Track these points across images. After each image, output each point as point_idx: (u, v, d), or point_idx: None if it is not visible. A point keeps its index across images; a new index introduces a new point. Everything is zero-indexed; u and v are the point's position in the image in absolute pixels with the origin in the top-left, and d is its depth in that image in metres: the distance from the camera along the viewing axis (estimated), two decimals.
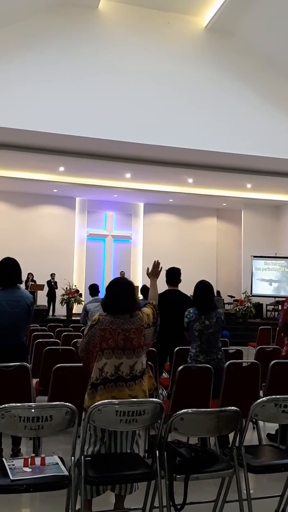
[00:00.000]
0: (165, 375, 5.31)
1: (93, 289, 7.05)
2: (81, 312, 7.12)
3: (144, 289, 9.83)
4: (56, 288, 14.43)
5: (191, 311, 4.17)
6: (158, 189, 14.87)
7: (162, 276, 5.30)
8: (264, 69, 11.56)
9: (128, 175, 13.74)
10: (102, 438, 2.76)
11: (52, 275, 14.56)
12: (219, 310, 4.24)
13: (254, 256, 15.78)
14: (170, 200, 16.42)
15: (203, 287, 4.20)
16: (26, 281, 13.01)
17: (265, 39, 10.99)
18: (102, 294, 6.96)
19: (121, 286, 3.00)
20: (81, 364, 3.00)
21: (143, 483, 2.71)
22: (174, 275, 5.27)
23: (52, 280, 14.54)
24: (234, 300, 15.18)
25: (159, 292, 5.21)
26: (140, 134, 10.64)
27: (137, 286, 13.20)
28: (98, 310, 6.32)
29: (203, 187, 14.89)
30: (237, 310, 14.32)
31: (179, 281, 5.29)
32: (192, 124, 10.97)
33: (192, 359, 4.09)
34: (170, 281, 5.27)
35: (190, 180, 14.00)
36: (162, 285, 5.34)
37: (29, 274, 13.49)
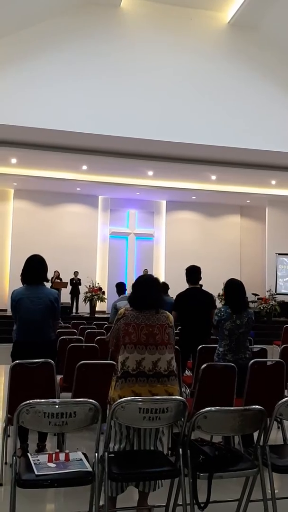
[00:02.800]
0: (188, 373, 5.29)
1: (120, 288, 7.09)
2: (110, 310, 7.15)
3: (164, 286, 9.83)
4: (80, 285, 14.54)
5: (223, 309, 4.11)
6: (180, 187, 14.80)
7: (183, 275, 5.31)
8: None
9: (150, 173, 13.73)
10: (128, 436, 2.77)
11: (75, 273, 14.68)
12: (250, 310, 4.19)
13: (279, 254, 15.56)
14: (193, 198, 16.33)
15: (235, 285, 4.14)
16: (52, 279, 13.15)
17: None
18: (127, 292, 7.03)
19: (148, 283, 3.03)
20: (104, 361, 3.02)
21: (167, 481, 2.71)
22: (194, 273, 5.22)
23: (75, 277, 14.66)
24: (258, 299, 15.02)
25: (180, 291, 5.22)
26: (162, 131, 10.62)
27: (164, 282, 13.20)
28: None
29: (226, 184, 14.77)
30: (262, 308, 14.17)
31: (200, 278, 5.24)
32: (215, 120, 10.89)
33: (220, 357, 4.06)
34: (190, 279, 5.23)
35: (213, 177, 13.89)
36: (183, 284, 5.35)
37: (55, 271, 13.63)
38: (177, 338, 5.08)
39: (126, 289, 7.06)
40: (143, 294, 2.95)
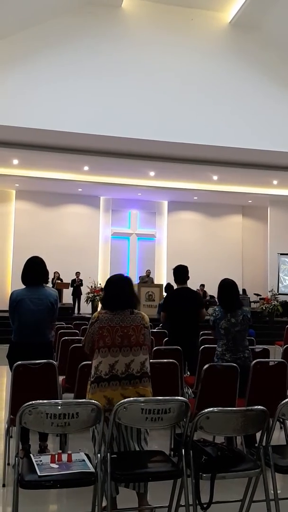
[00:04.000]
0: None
1: None
2: None
3: (168, 288, 9.84)
4: (82, 285, 14.55)
5: (217, 309, 4.14)
6: (182, 187, 14.81)
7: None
8: None
9: (152, 173, 13.73)
10: (112, 436, 2.76)
11: (77, 273, 14.69)
12: (245, 308, 4.20)
13: (281, 254, 15.54)
14: (195, 198, 16.33)
15: (226, 285, 4.17)
16: (52, 280, 13.17)
17: None
18: None
19: (119, 282, 2.98)
20: None
21: (169, 481, 2.70)
22: (181, 273, 5.19)
23: (77, 278, 14.67)
24: (260, 299, 15.00)
25: (169, 292, 5.20)
26: (164, 132, 10.62)
27: (161, 284, 13.19)
28: None
29: (228, 184, 14.77)
30: (264, 308, 14.15)
31: (187, 278, 5.20)
32: (216, 120, 10.89)
33: (219, 357, 4.06)
34: (178, 279, 5.20)
35: (215, 177, 13.89)
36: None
37: (55, 272, 13.65)
38: (167, 338, 5.11)
39: None
40: (114, 294, 2.91)
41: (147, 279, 14.90)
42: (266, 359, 4.24)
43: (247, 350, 4.09)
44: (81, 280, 14.65)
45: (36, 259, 3.95)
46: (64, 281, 14.25)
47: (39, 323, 3.79)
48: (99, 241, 16.56)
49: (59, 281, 14.05)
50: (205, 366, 3.70)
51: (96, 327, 2.84)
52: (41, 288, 3.89)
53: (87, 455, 2.55)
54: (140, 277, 15.26)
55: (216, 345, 4.20)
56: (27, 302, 3.77)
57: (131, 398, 2.55)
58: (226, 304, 4.09)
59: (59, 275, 14.08)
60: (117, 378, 2.76)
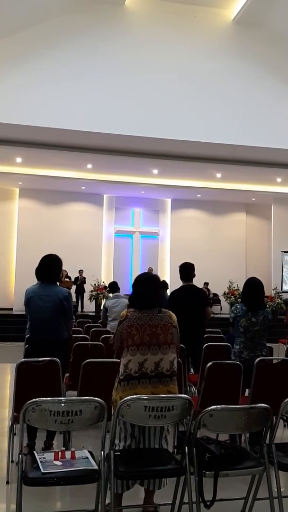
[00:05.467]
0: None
1: (113, 287, 7.31)
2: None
3: (163, 285, 9.87)
4: (85, 283, 14.55)
5: (239, 306, 4.14)
6: (185, 185, 14.79)
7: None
8: None
9: (155, 171, 13.71)
10: (133, 433, 2.77)
11: (80, 271, 14.69)
12: (267, 309, 4.22)
13: (285, 252, 15.50)
14: (198, 196, 16.30)
15: (251, 284, 4.17)
16: (61, 278, 13.16)
17: None
18: (122, 290, 7.09)
19: (148, 281, 2.99)
20: (110, 360, 3.01)
21: (172, 479, 2.71)
22: (187, 270, 5.18)
23: (80, 276, 14.67)
24: (264, 297, 14.96)
25: (174, 289, 5.21)
26: (167, 129, 10.60)
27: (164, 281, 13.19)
28: (116, 306, 6.46)
29: (231, 182, 14.73)
30: (268, 306, 14.12)
31: (193, 276, 5.20)
32: (220, 118, 10.86)
33: (236, 355, 4.07)
34: (183, 276, 5.19)
35: (219, 175, 13.86)
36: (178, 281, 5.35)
37: (63, 270, 13.63)
38: None
39: (119, 288, 7.22)
40: (143, 293, 2.91)
41: None
42: (270, 357, 4.24)
43: (265, 349, 4.11)
44: (84, 278, 14.66)
45: (51, 256, 4.01)
46: (71, 279, 14.26)
47: (48, 320, 3.83)
48: (102, 239, 16.57)
49: (67, 279, 14.07)
50: (209, 364, 3.70)
51: (125, 326, 2.83)
52: (52, 285, 3.93)
53: (90, 452, 2.56)
54: None
55: (222, 343, 4.21)
56: (36, 299, 3.84)
57: (135, 396, 2.55)
58: (249, 303, 4.09)
59: (67, 273, 14.08)
60: (147, 376, 2.76)
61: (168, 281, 11.43)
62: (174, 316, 2.94)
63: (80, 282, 14.65)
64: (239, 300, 5.81)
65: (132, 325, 2.82)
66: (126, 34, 10.69)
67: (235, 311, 4.13)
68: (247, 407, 2.62)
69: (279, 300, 14.16)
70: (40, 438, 3.76)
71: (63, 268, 4.25)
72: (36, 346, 3.81)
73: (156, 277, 3.09)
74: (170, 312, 2.95)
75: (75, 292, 14.60)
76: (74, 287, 14.55)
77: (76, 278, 14.61)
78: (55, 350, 3.68)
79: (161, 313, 2.88)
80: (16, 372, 3.42)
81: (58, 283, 4.09)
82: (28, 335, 3.99)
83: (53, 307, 3.82)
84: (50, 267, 3.95)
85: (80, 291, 14.63)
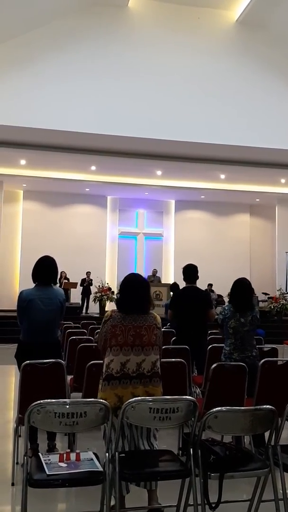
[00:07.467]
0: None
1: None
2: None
3: (174, 287, 9.84)
4: (91, 285, 14.56)
5: (226, 308, 4.11)
6: (189, 186, 14.78)
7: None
8: None
9: (159, 173, 13.72)
10: (123, 435, 2.77)
11: (88, 273, 14.69)
12: (256, 310, 4.18)
13: None
14: (202, 197, 16.29)
15: (240, 284, 4.14)
16: (60, 279, 13.20)
17: None
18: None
19: (134, 286, 2.96)
20: None
21: (177, 481, 2.70)
22: (191, 272, 5.17)
23: (87, 278, 14.68)
24: (268, 298, 14.93)
25: (176, 291, 5.20)
26: (171, 131, 10.61)
27: (169, 284, 13.18)
28: None
29: (235, 183, 14.71)
30: (272, 307, 14.09)
31: (197, 277, 5.18)
32: (223, 119, 10.86)
33: (227, 356, 4.04)
34: (187, 278, 5.18)
35: (223, 176, 13.85)
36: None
37: (62, 272, 13.67)
38: (175, 337, 5.11)
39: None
40: (128, 298, 2.90)
41: (153, 278, 14.88)
42: (275, 358, 4.22)
43: (255, 349, 4.08)
44: (91, 280, 14.66)
45: (48, 258, 3.96)
46: (71, 281, 14.27)
47: (49, 323, 3.80)
48: (106, 240, 16.58)
49: (66, 281, 14.09)
50: (213, 366, 3.69)
51: (109, 325, 2.85)
52: (50, 287, 3.90)
53: (95, 454, 2.56)
54: (147, 276, 15.26)
55: (224, 344, 4.19)
56: (38, 302, 3.77)
57: (139, 397, 2.55)
58: (238, 304, 4.06)
59: (65, 274, 14.12)
60: (128, 376, 2.77)
61: (171, 283, 11.42)
62: (158, 317, 2.94)
63: (87, 283, 14.65)
64: None
65: (116, 325, 2.83)
66: (129, 36, 10.71)
67: (223, 313, 4.10)
68: (252, 409, 2.62)
69: (284, 301, 14.11)
70: (43, 440, 3.76)
71: (65, 269, 4.23)
72: (31, 349, 3.72)
73: (144, 281, 3.05)
74: (155, 313, 2.95)
75: (82, 294, 14.61)
76: (80, 289, 14.58)
77: (83, 280, 14.61)
78: (51, 352, 3.68)
79: (146, 314, 2.89)
80: (20, 374, 3.43)
81: (58, 285, 4.07)
82: (22, 338, 3.84)
83: (54, 310, 3.80)
84: (49, 269, 3.89)
85: (86, 293, 14.62)
